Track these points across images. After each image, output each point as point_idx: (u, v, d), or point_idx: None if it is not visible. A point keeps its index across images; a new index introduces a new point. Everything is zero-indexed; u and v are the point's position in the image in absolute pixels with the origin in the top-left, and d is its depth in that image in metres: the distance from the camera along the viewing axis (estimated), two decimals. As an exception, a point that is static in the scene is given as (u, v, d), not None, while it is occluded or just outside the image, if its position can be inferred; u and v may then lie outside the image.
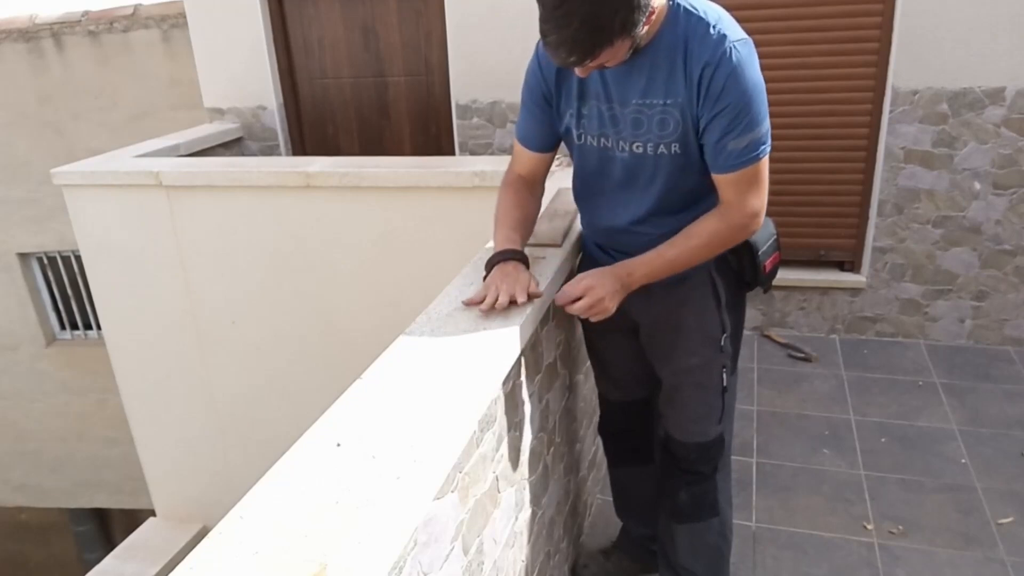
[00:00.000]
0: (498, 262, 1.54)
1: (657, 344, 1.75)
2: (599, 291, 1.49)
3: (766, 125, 1.44)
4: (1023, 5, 3.07)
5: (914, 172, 3.38)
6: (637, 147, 1.52)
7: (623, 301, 1.61)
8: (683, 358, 1.70)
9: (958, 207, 3.37)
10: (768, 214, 1.60)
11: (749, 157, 1.43)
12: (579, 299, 1.50)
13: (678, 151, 1.48)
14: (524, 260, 1.57)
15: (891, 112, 3.32)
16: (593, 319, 1.53)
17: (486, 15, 3.71)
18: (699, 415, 1.74)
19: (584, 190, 1.71)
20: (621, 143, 1.54)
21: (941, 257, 3.46)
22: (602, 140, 1.56)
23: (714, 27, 1.38)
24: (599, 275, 1.51)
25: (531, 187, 1.72)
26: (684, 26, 1.40)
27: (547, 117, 1.62)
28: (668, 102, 1.44)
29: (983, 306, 3.48)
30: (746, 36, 1.41)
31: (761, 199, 1.49)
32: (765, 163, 1.46)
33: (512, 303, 1.46)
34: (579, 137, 1.60)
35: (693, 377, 1.71)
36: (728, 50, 1.37)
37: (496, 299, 1.45)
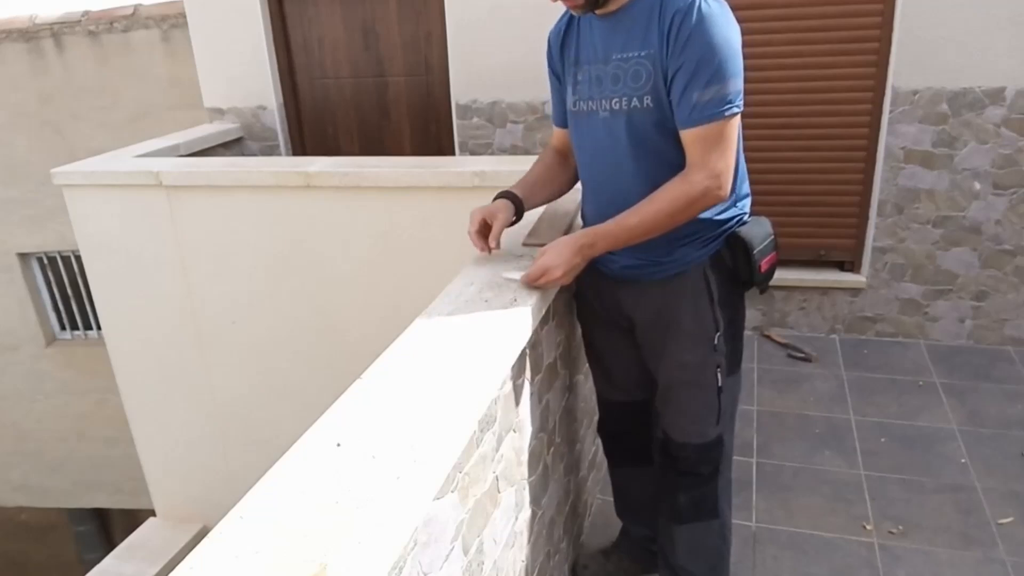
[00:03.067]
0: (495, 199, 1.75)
1: (651, 341, 1.74)
2: (549, 260, 1.54)
3: (736, 85, 1.43)
4: (1023, 5, 3.07)
5: (914, 172, 3.38)
6: (615, 103, 1.53)
7: (617, 294, 1.67)
8: (676, 355, 1.69)
9: (958, 207, 3.37)
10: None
11: (714, 112, 1.42)
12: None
13: (650, 104, 1.49)
14: (512, 198, 1.73)
15: (891, 112, 3.32)
16: (543, 286, 1.57)
17: (486, 15, 3.71)
18: (695, 415, 1.73)
19: (581, 171, 1.74)
20: (603, 102, 1.56)
21: (941, 257, 3.46)
22: (590, 103, 1.59)
23: None
24: (556, 246, 1.56)
25: (561, 156, 1.84)
26: None
27: (562, 93, 1.72)
28: (643, 54, 1.47)
29: (983, 306, 3.48)
30: None
31: (727, 161, 1.47)
32: (733, 124, 1.45)
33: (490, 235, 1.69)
34: (574, 104, 1.64)
35: (686, 375, 1.70)
36: (698, 1, 1.40)
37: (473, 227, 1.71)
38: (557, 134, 1.85)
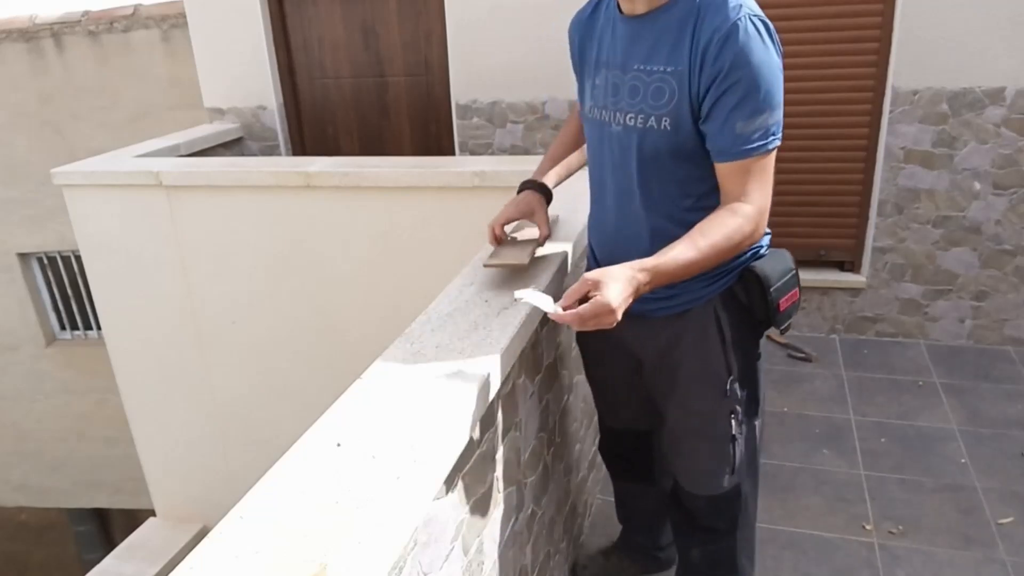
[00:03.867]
0: (520, 190, 1.62)
1: (658, 383, 1.60)
2: (609, 299, 1.20)
3: (779, 115, 1.29)
4: (1023, 5, 3.07)
5: (914, 172, 3.38)
6: (629, 118, 1.38)
7: (622, 330, 1.39)
8: (684, 401, 1.54)
9: (958, 207, 3.37)
10: (768, 214, 1.53)
11: (759, 144, 1.28)
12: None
13: (668, 127, 1.33)
14: (542, 190, 1.62)
15: (891, 112, 3.32)
16: (589, 328, 1.26)
17: (486, 15, 3.71)
18: (706, 465, 1.57)
19: (591, 179, 1.60)
20: (617, 115, 1.41)
21: (941, 257, 3.46)
22: (603, 113, 1.45)
23: None
24: (615, 281, 1.23)
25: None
26: None
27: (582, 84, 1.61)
28: (668, 70, 1.31)
29: (983, 306, 3.48)
30: (764, 17, 1.29)
31: (768, 197, 1.33)
32: (773, 157, 1.33)
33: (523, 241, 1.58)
34: (589, 110, 1.50)
35: (695, 423, 1.55)
36: (744, 20, 1.24)
37: (490, 234, 1.59)
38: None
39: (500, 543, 1.47)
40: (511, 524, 1.55)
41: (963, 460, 2.71)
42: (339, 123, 4.35)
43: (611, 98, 1.42)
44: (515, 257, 1.57)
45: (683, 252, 1.28)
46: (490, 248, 1.69)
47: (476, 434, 1.27)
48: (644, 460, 1.85)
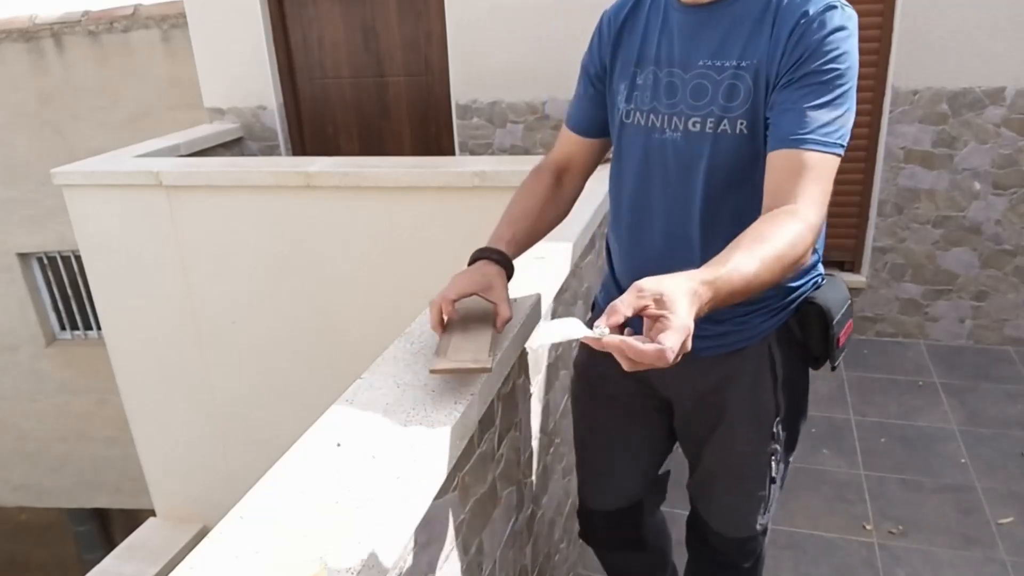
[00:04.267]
0: (473, 260, 1.27)
1: (693, 427, 1.40)
2: (683, 329, 0.86)
3: (851, 124, 1.11)
4: (1023, 5, 3.07)
5: (914, 172, 3.38)
6: (694, 124, 1.18)
7: (650, 370, 1.03)
8: (725, 443, 1.36)
9: (958, 207, 3.37)
10: None
11: (835, 140, 1.07)
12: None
13: (744, 130, 1.15)
14: (501, 261, 1.25)
15: (891, 112, 3.32)
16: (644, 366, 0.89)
17: (486, 15, 3.71)
18: (740, 507, 1.41)
19: (621, 199, 1.34)
20: (675, 119, 1.20)
21: (941, 257, 3.46)
22: (651, 117, 1.23)
23: None
24: (677, 294, 0.88)
25: (559, 174, 1.39)
26: None
27: (598, 97, 1.35)
28: (743, 64, 1.14)
29: (983, 306, 3.48)
30: (849, 6, 1.14)
31: (825, 205, 1.09)
32: (835, 163, 1.09)
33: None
34: (627, 115, 1.27)
35: (734, 464, 1.38)
36: (836, 6, 1.10)
37: (434, 313, 1.17)
38: (563, 142, 1.41)
39: (500, 543, 1.47)
40: (511, 524, 1.55)
41: (963, 460, 2.71)
42: (339, 123, 4.35)
43: (664, 100, 1.22)
44: (473, 356, 1.14)
45: (745, 263, 0.96)
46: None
47: (476, 434, 1.27)
48: (636, 529, 1.58)
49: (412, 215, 3.14)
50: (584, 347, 1.24)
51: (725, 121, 1.16)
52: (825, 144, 1.06)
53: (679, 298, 0.88)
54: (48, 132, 5.52)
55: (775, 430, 1.32)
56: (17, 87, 5.46)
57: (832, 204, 3.27)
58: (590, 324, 0.91)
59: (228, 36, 4.18)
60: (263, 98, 4.26)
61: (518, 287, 1.60)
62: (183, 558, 0.85)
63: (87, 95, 5.39)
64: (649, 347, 0.84)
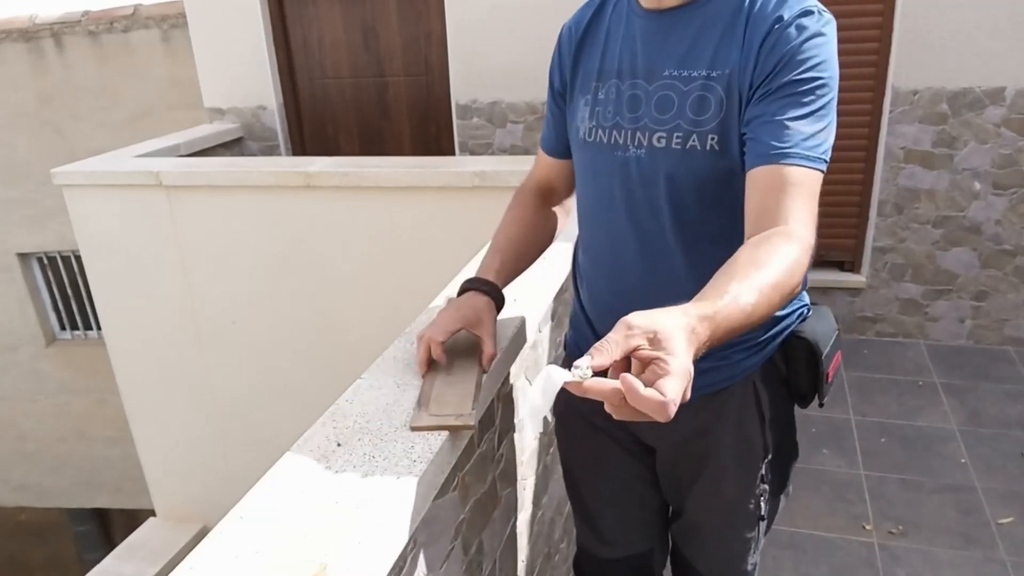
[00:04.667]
0: (462, 291, 1.19)
1: (676, 474, 1.30)
2: (684, 376, 0.73)
3: (833, 133, 1.01)
4: (1023, 5, 3.07)
5: (914, 172, 3.38)
6: (659, 139, 1.08)
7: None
8: (711, 489, 1.26)
9: (958, 207, 3.37)
10: None
11: (819, 155, 0.97)
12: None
13: (716, 146, 1.04)
14: (492, 292, 1.18)
15: (891, 112, 3.32)
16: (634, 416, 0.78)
17: (486, 15, 3.71)
18: (728, 552, 1.33)
19: (586, 225, 1.25)
20: (638, 135, 1.09)
21: (941, 257, 3.46)
22: (614, 134, 1.12)
23: None
24: (673, 331, 0.75)
25: (542, 196, 1.34)
26: None
27: (563, 115, 1.27)
28: (714, 74, 1.03)
29: (983, 306, 3.48)
30: (828, 12, 1.05)
31: (815, 223, 0.98)
32: (819, 179, 0.99)
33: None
34: (589, 133, 1.16)
35: (721, 512, 1.28)
36: (813, 11, 1.01)
37: (422, 351, 1.12)
38: (540, 165, 1.34)
39: (500, 543, 1.47)
40: (511, 524, 1.55)
41: (963, 460, 2.71)
42: (339, 123, 4.35)
43: (627, 114, 1.11)
44: (455, 408, 1.09)
45: (743, 293, 0.84)
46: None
47: (476, 434, 1.27)
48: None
49: (412, 215, 3.14)
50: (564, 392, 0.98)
51: (694, 136, 1.05)
52: (810, 159, 0.97)
53: (676, 337, 0.74)
54: (48, 132, 5.52)
55: (763, 472, 1.22)
56: (17, 87, 5.46)
57: (832, 204, 3.23)
58: (567, 366, 0.76)
59: (228, 36, 4.18)
60: (263, 98, 4.26)
61: (515, 292, 1.60)
62: (183, 558, 0.84)
63: (87, 95, 5.39)
64: (650, 395, 0.70)
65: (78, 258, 4.65)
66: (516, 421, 1.53)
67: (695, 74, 1.05)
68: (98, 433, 6.18)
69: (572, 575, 2.06)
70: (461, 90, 3.92)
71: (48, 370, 6.21)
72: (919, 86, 3.26)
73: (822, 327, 1.17)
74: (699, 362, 0.95)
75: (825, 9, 1.03)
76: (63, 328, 6.29)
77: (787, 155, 0.96)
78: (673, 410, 0.70)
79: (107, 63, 5.31)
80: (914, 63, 3.24)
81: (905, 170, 3.39)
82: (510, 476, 1.52)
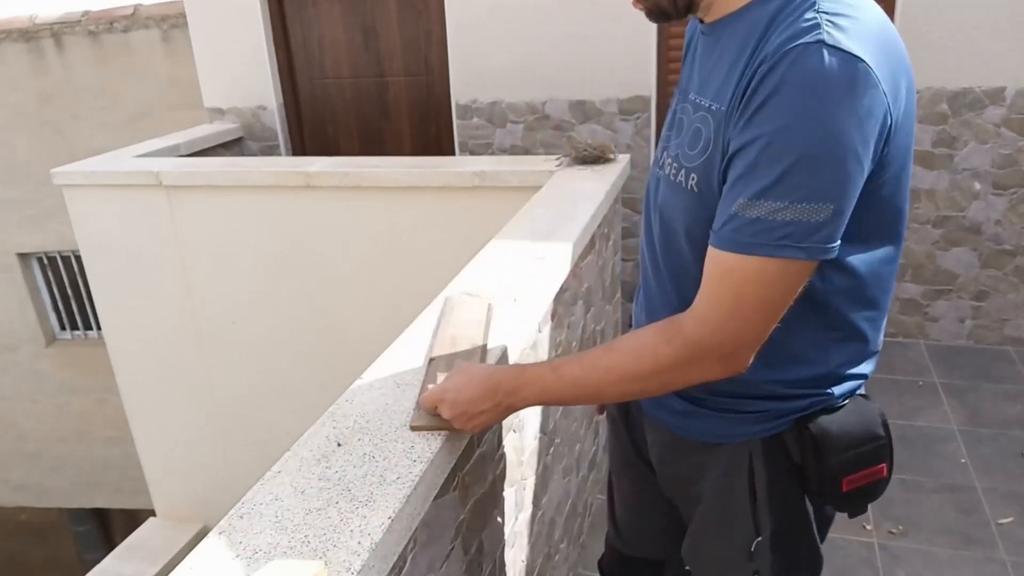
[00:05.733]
0: None
1: (676, 504, 1.25)
2: (449, 390, 1.04)
3: (811, 213, 0.81)
4: (1023, 5, 3.07)
5: (914, 172, 3.38)
6: (668, 165, 1.02)
7: (643, 425, 1.20)
8: (700, 539, 1.17)
9: (958, 207, 3.37)
10: (738, 354, 0.92)
11: (755, 241, 0.83)
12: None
13: (694, 187, 0.94)
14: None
15: (891, 112, 3.32)
16: (471, 432, 1.10)
17: (486, 15, 3.71)
18: None
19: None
20: (668, 157, 1.03)
21: (941, 257, 3.46)
22: (663, 153, 1.07)
23: (818, 8, 0.82)
24: (466, 375, 1.04)
25: None
26: None
27: None
28: (713, 107, 0.92)
29: (983, 306, 3.48)
30: (863, 55, 0.79)
31: (737, 322, 0.88)
32: (777, 271, 0.84)
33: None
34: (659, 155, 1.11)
35: (705, 570, 1.19)
36: (813, 44, 0.79)
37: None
38: None
39: (500, 543, 1.47)
40: (511, 524, 1.55)
41: (963, 460, 2.71)
42: (339, 123, 4.35)
43: (668, 132, 1.06)
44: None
45: (568, 363, 0.98)
46: (489, 248, 1.61)
47: (476, 435, 1.27)
48: None
49: (412, 215, 3.14)
50: None
51: (683, 172, 0.96)
52: (732, 243, 0.84)
53: (461, 374, 1.05)
54: (48, 132, 5.52)
55: (755, 550, 1.08)
56: (17, 87, 5.46)
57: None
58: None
59: (228, 36, 4.18)
60: (263, 98, 4.26)
61: (519, 288, 1.60)
62: (183, 558, 0.85)
63: (87, 95, 5.39)
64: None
65: (78, 258, 4.66)
66: (516, 421, 1.53)
67: (703, 102, 0.95)
68: (98, 433, 6.19)
69: (573, 575, 2.08)
70: (461, 90, 3.92)
71: (48, 370, 6.21)
72: (919, 86, 3.26)
73: (845, 425, 1.00)
74: (691, 403, 1.08)
75: (848, 37, 0.79)
76: (63, 328, 6.29)
77: (715, 235, 0.88)
78: (422, 401, 1.09)
79: (107, 63, 5.31)
80: (914, 63, 3.21)
81: (905, 170, 3.39)
82: (510, 476, 1.52)
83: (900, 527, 2.39)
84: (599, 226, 2.31)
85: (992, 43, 3.13)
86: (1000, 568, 2.20)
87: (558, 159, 2.84)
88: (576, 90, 3.70)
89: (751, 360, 0.91)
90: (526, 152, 3.91)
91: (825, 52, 0.78)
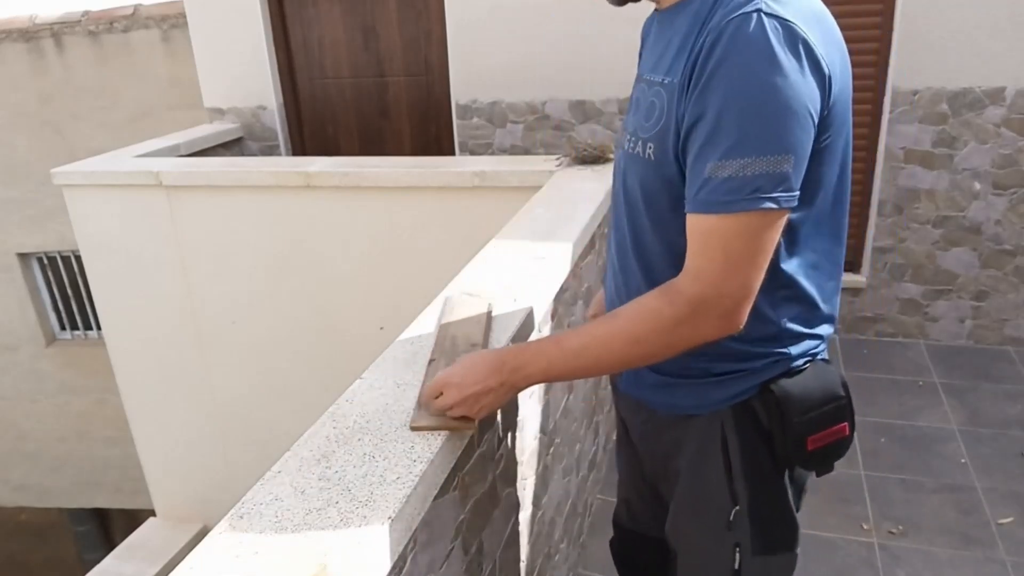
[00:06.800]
0: None
1: (658, 483, 1.29)
2: (450, 376, 1.05)
3: (776, 165, 0.88)
4: (1023, 5, 3.07)
5: (914, 172, 3.38)
6: (628, 140, 1.09)
7: (628, 412, 1.27)
8: (677, 517, 1.21)
9: (958, 207, 3.37)
10: (739, 308, 0.96)
11: (729, 199, 0.89)
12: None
13: (651, 156, 1.01)
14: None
15: (891, 112, 3.32)
16: (475, 417, 1.07)
17: (486, 15, 3.71)
18: None
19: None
20: (628, 137, 1.10)
21: (941, 257, 3.46)
22: (623, 132, 1.15)
23: None
24: (470, 364, 1.05)
25: None
26: None
27: None
28: (666, 80, 0.99)
29: (983, 306, 3.48)
30: (797, 21, 0.88)
31: (741, 274, 0.92)
32: (763, 223, 0.91)
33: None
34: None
35: (688, 547, 1.21)
36: (753, 15, 0.87)
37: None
38: None
39: (500, 543, 1.47)
40: (511, 524, 1.55)
41: (963, 460, 2.71)
42: (339, 123, 4.35)
43: (626, 116, 1.15)
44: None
45: (570, 336, 1.02)
46: (489, 249, 1.62)
47: (476, 434, 1.27)
48: (657, 571, 1.42)
49: (412, 215, 3.14)
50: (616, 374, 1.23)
51: (640, 142, 1.04)
52: (720, 204, 0.90)
53: (462, 362, 1.06)
54: (48, 132, 5.52)
55: (732, 519, 1.12)
56: (17, 87, 5.46)
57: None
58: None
59: (228, 36, 4.18)
60: (263, 98, 4.26)
61: (519, 288, 1.60)
62: (183, 558, 0.85)
63: (87, 95, 5.39)
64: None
65: (78, 258, 4.66)
66: (517, 421, 1.53)
67: (656, 78, 1.03)
68: (98, 433, 6.19)
69: (573, 575, 2.08)
70: (461, 90, 3.92)
71: (48, 370, 6.21)
72: (919, 86, 3.26)
73: (809, 386, 1.06)
74: (662, 375, 1.13)
75: (788, 9, 0.89)
76: (63, 328, 6.29)
77: (691, 202, 0.94)
78: (425, 390, 1.09)
79: (107, 63, 5.31)
80: (914, 63, 3.24)
81: (905, 170, 3.39)
82: (510, 476, 1.52)
83: (900, 527, 2.39)
84: (599, 226, 2.31)
85: (992, 43, 3.13)
86: (1000, 568, 2.20)
87: (558, 159, 2.84)
88: (576, 90, 3.70)
89: (746, 318, 0.96)
90: (526, 152, 3.91)
91: (764, 17, 0.87)
